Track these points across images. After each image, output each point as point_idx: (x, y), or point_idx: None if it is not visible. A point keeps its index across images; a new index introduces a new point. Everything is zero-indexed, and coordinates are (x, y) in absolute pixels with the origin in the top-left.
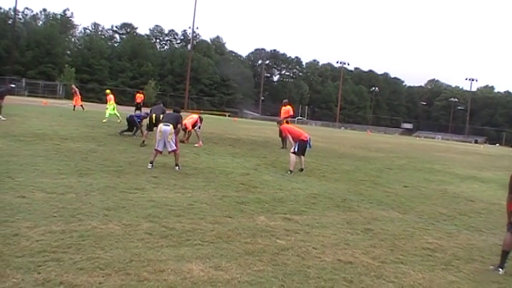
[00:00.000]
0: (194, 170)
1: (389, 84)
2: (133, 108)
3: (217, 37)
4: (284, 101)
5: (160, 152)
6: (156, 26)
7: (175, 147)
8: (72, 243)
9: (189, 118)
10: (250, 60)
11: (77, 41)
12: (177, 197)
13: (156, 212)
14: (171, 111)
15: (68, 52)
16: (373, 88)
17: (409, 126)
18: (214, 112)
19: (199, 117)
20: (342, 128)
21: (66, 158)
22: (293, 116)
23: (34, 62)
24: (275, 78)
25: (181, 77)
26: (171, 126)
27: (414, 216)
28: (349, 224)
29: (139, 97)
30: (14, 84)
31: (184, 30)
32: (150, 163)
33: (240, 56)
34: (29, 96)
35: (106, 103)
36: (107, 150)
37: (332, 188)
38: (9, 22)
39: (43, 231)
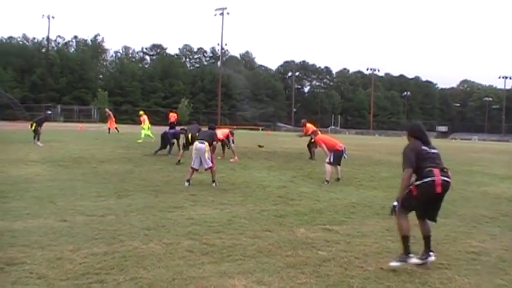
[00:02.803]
0: (231, 186)
1: (421, 88)
2: (167, 128)
3: (247, 52)
4: (302, 121)
5: (197, 170)
6: (185, 45)
7: (211, 164)
8: (114, 264)
9: (219, 131)
10: (280, 72)
11: (108, 64)
12: (215, 213)
13: (196, 229)
14: (207, 129)
15: (101, 76)
16: (405, 93)
17: (444, 129)
18: (247, 127)
19: (230, 131)
20: (376, 135)
21: (104, 180)
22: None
23: (68, 88)
24: (306, 90)
25: (213, 93)
26: (206, 143)
27: (456, 220)
28: (390, 232)
29: (173, 116)
30: (50, 110)
31: (213, 47)
32: (187, 181)
33: (270, 69)
34: (64, 121)
35: (140, 124)
36: (144, 170)
37: (370, 196)
38: (43, 51)
39: (86, 254)
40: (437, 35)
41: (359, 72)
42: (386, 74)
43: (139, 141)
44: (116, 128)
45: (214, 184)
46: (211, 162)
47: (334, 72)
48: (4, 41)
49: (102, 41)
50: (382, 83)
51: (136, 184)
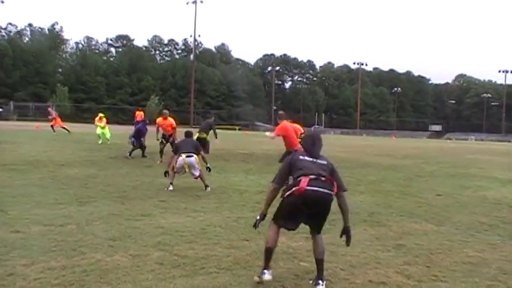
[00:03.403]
0: (205, 191)
1: (413, 84)
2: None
3: (222, 44)
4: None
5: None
6: (155, 36)
7: (199, 173)
8: (74, 280)
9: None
10: (259, 67)
11: (68, 57)
12: (188, 222)
13: (166, 239)
14: (184, 138)
15: (60, 70)
16: (396, 89)
17: (437, 128)
18: (223, 126)
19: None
20: (364, 134)
21: (64, 186)
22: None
23: (22, 83)
24: (287, 85)
25: (185, 90)
26: (195, 155)
27: (451, 228)
28: (379, 240)
29: (140, 115)
30: (1, 108)
31: (186, 39)
32: (171, 184)
33: (248, 63)
34: (18, 120)
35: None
36: (109, 174)
37: (357, 201)
38: None
39: (42, 268)
40: (431, 26)
41: (345, 66)
42: (375, 69)
43: (108, 142)
44: (65, 127)
45: (208, 189)
46: (199, 170)
47: (317, 66)
48: None
49: (61, 30)
50: (370, 78)
51: (100, 190)
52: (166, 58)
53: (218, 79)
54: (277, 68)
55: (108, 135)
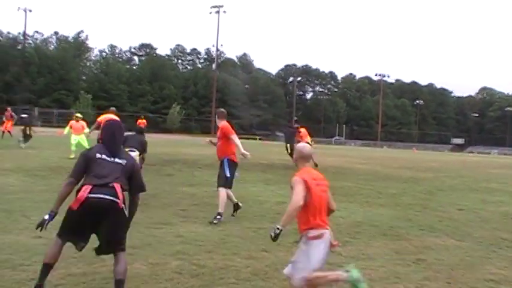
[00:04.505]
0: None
1: (435, 96)
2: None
3: (244, 54)
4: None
5: None
6: (177, 45)
7: None
8: (94, 287)
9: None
10: (280, 77)
11: (92, 65)
12: (207, 231)
13: (185, 248)
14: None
15: (83, 77)
16: (418, 101)
17: (459, 141)
18: (244, 136)
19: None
20: (385, 146)
21: None
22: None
23: (47, 90)
24: (308, 96)
25: (207, 99)
26: (137, 152)
27: (472, 243)
28: (399, 255)
29: (143, 123)
30: (26, 114)
31: (208, 49)
32: None
33: (270, 73)
34: (42, 126)
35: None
36: None
37: (377, 214)
38: (19, 47)
39: (62, 275)
40: (454, 39)
41: (366, 78)
42: (397, 81)
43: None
44: (9, 131)
45: None
46: None
47: (339, 77)
48: None
49: (86, 38)
50: (391, 90)
51: None
52: (189, 67)
53: (240, 89)
54: (299, 78)
55: (85, 143)
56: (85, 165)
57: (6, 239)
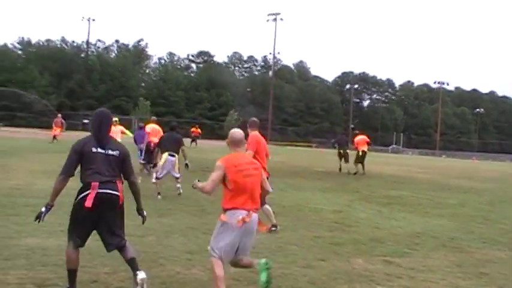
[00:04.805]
0: (281, 208)
1: (496, 104)
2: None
3: (301, 62)
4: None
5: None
6: (235, 52)
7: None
8: None
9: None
10: (337, 84)
11: (151, 72)
12: (264, 238)
13: None
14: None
15: (143, 84)
16: (478, 109)
17: None
18: (300, 143)
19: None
20: (443, 156)
21: (144, 197)
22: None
23: (108, 96)
24: (365, 104)
25: (263, 106)
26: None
27: None
28: (460, 267)
29: (197, 132)
30: (87, 119)
31: (265, 56)
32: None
33: (326, 81)
34: None
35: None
36: (187, 187)
37: (437, 225)
38: (82, 55)
39: (123, 277)
40: None
41: (425, 85)
42: (457, 88)
43: None
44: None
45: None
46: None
47: (397, 85)
48: (42, 44)
49: (146, 46)
50: (451, 98)
51: (179, 203)
52: (246, 74)
53: (296, 96)
54: (356, 85)
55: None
56: (79, 160)
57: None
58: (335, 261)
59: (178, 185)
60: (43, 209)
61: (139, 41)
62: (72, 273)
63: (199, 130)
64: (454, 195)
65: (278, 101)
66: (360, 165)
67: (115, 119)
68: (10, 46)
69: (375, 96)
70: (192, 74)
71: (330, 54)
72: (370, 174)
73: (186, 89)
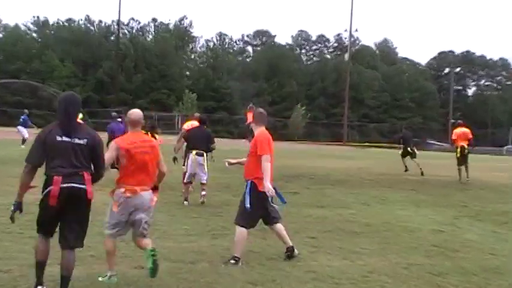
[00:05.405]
0: (365, 227)
1: None
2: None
3: (385, 40)
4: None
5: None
6: (300, 31)
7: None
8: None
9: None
10: (432, 68)
11: (197, 58)
12: (344, 266)
13: (319, 287)
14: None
15: (187, 73)
16: None
17: None
18: (384, 144)
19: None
20: None
21: (194, 214)
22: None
23: (144, 88)
24: (470, 92)
25: (337, 98)
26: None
27: None
28: None
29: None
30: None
31: (339, 35)
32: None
33: (418, 64)
34: None
35: None
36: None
37: None
38: (112, 38)
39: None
40: None
41: None
42: None
43: None
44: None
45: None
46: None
47: None
48: (62, 24)
49: (190, 25)
50: None
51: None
52: (315, 58)
53: (379, 84)
54: (457, 69)
55: None
56: (43, 150)
57: (102, 268)
58: None
59: (204, 192)
60: (12, 208)
61: (181, 20)
62: (40, 266)
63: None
64: None
65: (356, 91)
66: (463, 168)
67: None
68: (23, 28)
69: (483, 82)
70: (248, 60)
71: (423, 29)
72: (479, 183)
73: (241, 79)
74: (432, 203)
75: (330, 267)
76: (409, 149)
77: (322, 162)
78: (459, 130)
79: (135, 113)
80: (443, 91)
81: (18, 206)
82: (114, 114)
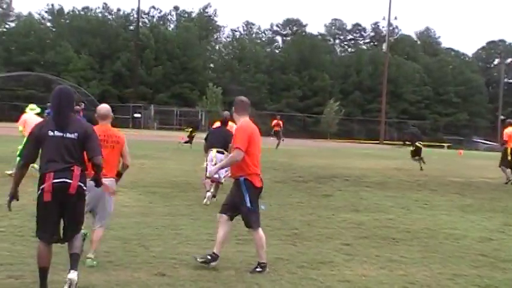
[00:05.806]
0: (405, 234)
1: None
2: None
3: (427, 29)
4: (507, 120)
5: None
6: (334, 20)
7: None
8: None
9: None
10: (480, 59)
11: (222, 49)
12: (382, 276)
13: None
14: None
15: (211, 65)
16: None
17: None
18: (426, 143)
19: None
20: None
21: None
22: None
23: (165, 82)
24: None
25: (374, 92)
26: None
27: None
28: None
29: (278, 125)
30: (139, 113)
31: (376, 24)
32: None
33: (465, 55)
34: (159, 129)
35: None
36: (275, 204)
37: None
38: (131, 28)
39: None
40: None
41: None
42: None
43: None
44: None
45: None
46: None
47: None
48: (77, 13)
49: (215, 14)
50: None
51: (265, 224)
52: (350, 49)
53: (420, 77)
54: (508, 60)
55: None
56: (35, 146)
57: (121, 275)
58: None
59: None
60: (6, 199)
61: (205, 8)
62: (42, 272)
63: (280, 122)
64: None
65: (395, 85)
66: (509, 170)
67: (32, 106)
68: (37, 16)
69: None
70: (277, 51)
71: (469, 17)
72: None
73: (269, 71)
74: (479, 208)
75: (365, 277)
76: (418, 146)
77: (357, 162)
78: (510, 130)
79: (104, 108)
80: (492, 84)
81: (13, 196)
82: (77, 107)
